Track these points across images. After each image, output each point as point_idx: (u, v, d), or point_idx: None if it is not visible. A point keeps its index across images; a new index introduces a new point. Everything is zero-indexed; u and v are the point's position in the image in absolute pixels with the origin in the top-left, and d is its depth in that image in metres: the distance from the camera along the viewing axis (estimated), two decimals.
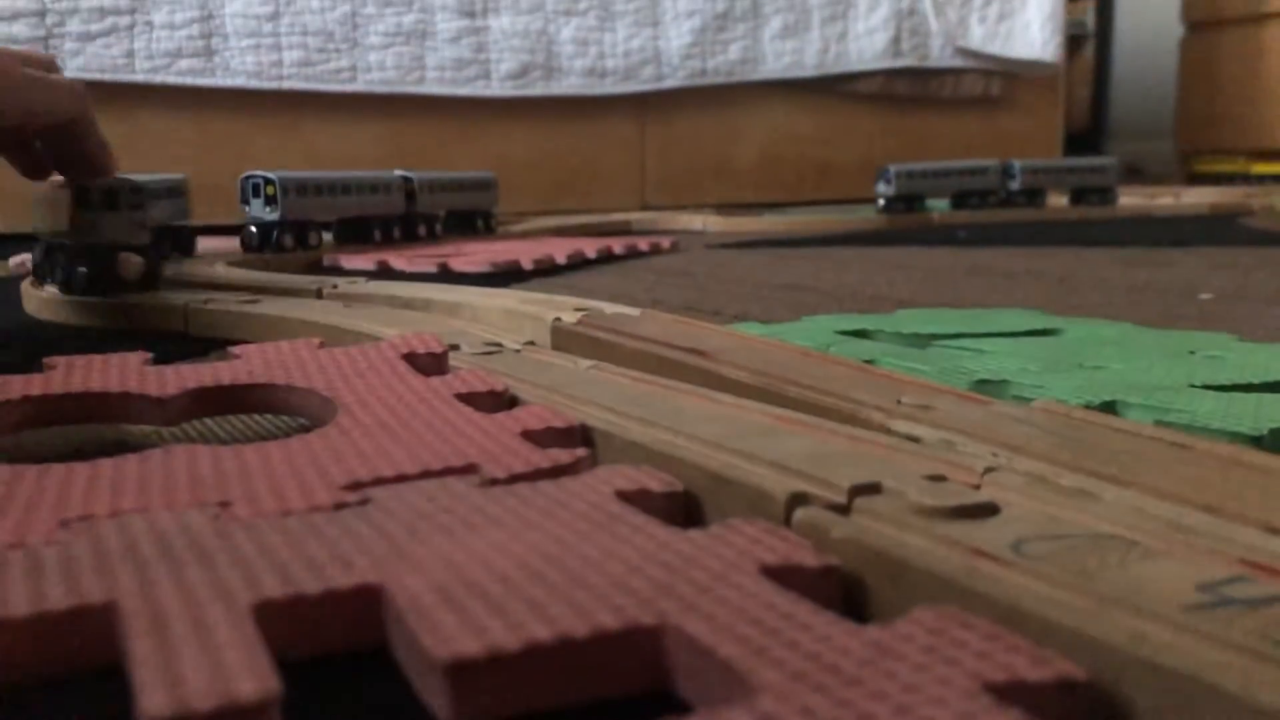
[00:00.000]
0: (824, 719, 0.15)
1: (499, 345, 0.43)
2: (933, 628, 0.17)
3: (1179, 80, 2.46)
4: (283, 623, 0.19)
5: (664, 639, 0.18)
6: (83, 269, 0.62)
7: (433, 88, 1.54)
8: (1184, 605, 0.18)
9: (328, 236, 1.04)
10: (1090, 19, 2.83)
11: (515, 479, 0.27)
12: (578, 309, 0.50)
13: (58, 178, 0.63)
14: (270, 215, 0.95)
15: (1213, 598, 0.18)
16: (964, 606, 0.19)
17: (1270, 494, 0.23)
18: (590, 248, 1.03)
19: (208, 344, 0.55)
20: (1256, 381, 0.37)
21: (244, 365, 0.39)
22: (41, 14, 1.33)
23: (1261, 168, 2.25)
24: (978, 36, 1.92)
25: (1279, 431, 0.30)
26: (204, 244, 1.08)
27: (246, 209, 0.96)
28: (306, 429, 0.36)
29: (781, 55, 1.78)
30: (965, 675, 0.16)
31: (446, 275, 0.87)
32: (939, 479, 0.24)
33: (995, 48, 1.93)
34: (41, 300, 0.67)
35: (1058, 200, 1.59)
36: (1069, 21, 2.20)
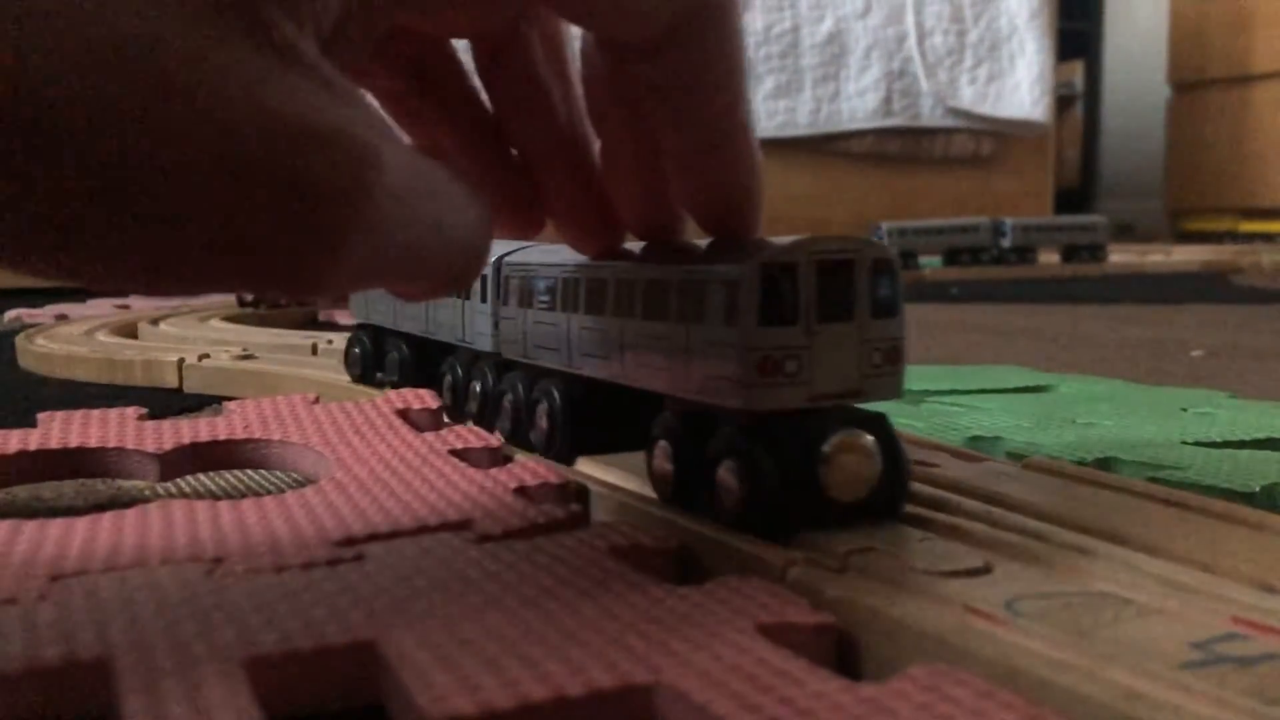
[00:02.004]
0: None
1: None
2: (927, 685, 0.17)
3: (1167, 140, 2.50)
4: (276, 678, 0.19)
5: (658, 696, 0.18)
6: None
7: None
8: (1178, 663, 0.18)
9: None
10: (1079, 79, 2.88)
11: (509, 535, 0.27)
12: None
13: None
14: None
15: (1206, 655, 0.18)
16: (958, 665, 0.19)
17: (1263, 550, 0.23)
18: None
19: (201, 399, 0.55)
20: (1248, 438, 0.37)
21: (238, 420, 0.40)
22: None
23: (1249, 226, 2.27)
24: (968, 97, 1.95)
25: (1271, 488, 0.30)
26: (199, 299, 1.08)
27: None
28: (301, 484, 0.36)
29: (775, 114, 1.80)
30: None
31: None
32: (930, 539, 0.25)
33: (986, 108, 1.96)
34: None
35: (1049, 258, 1.60)
36: (1058, 82, 2.24)
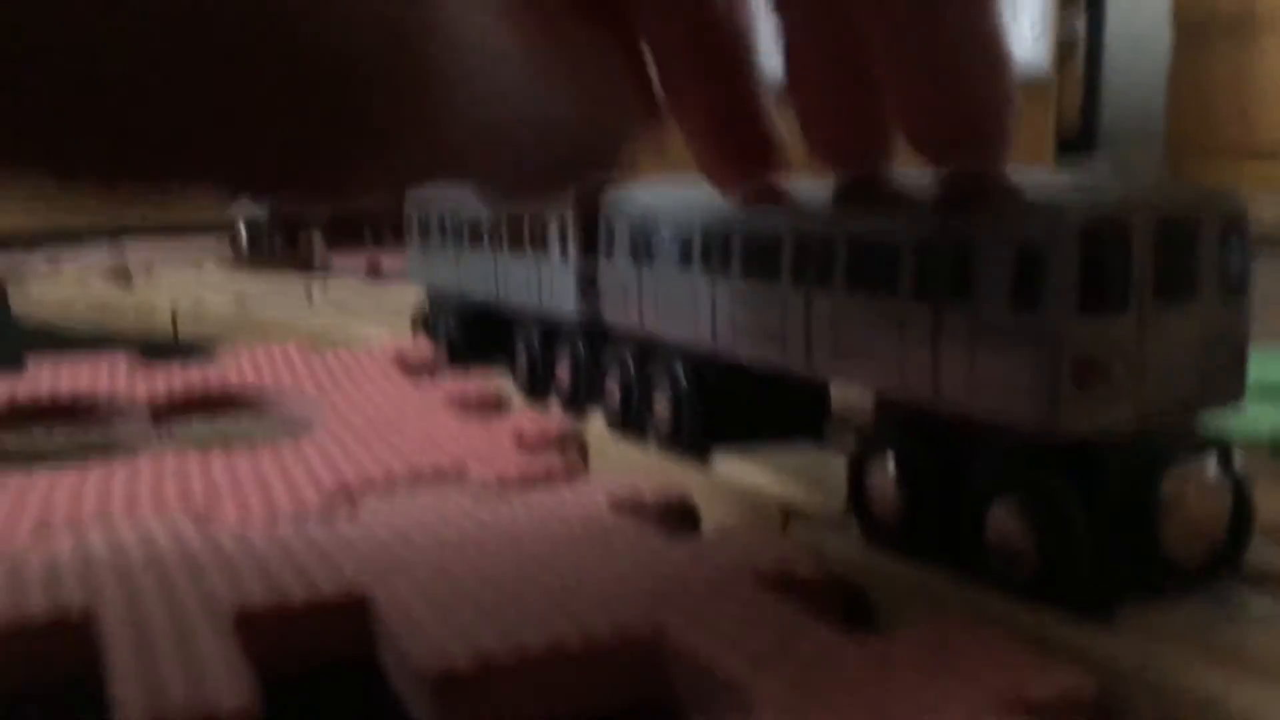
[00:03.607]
0: None
1: None
2: (937, 639, 0.17)
3: (1170, 85, 2.47)
4: (268, 632, 0.19)
5: (660, 650, 0.18)
6: None
7: None
8: (1195, 623, 0.17)
9: (317, 235, 1.04)
10: (1081, 23, 2.83)
11: (507, 485, 0.26)
12: None
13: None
14: (260, 214, 0.94)
15: None
16: (968, 620, 0.18)
17: None
18: None
19: (195, 346, 0.55)
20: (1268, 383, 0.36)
21: (232, 368, 0.39)
22: None
23: (1253, 172, 2.25)
24: None
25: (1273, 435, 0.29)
26: (193, 243, 1.07)
27: (234, 207, 0.95)
28: (294, 433, 0.35)
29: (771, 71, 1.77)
30: (970, 687, 0.15)
31: None
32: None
33: None
34: None
35: None
36: (1059, 27, 2.21)
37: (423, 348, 0.41)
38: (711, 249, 0.25)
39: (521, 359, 0.35)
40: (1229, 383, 0.19)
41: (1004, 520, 0.18)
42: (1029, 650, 0.17)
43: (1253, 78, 2.30)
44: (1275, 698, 0.15)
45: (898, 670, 0.16)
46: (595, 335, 0.31)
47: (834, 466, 0.25)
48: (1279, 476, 0.25)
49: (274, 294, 0.66)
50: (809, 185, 0.23)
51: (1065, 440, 0.18)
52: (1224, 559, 0.19)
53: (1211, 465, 0.18)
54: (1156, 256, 0.17)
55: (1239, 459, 0.19)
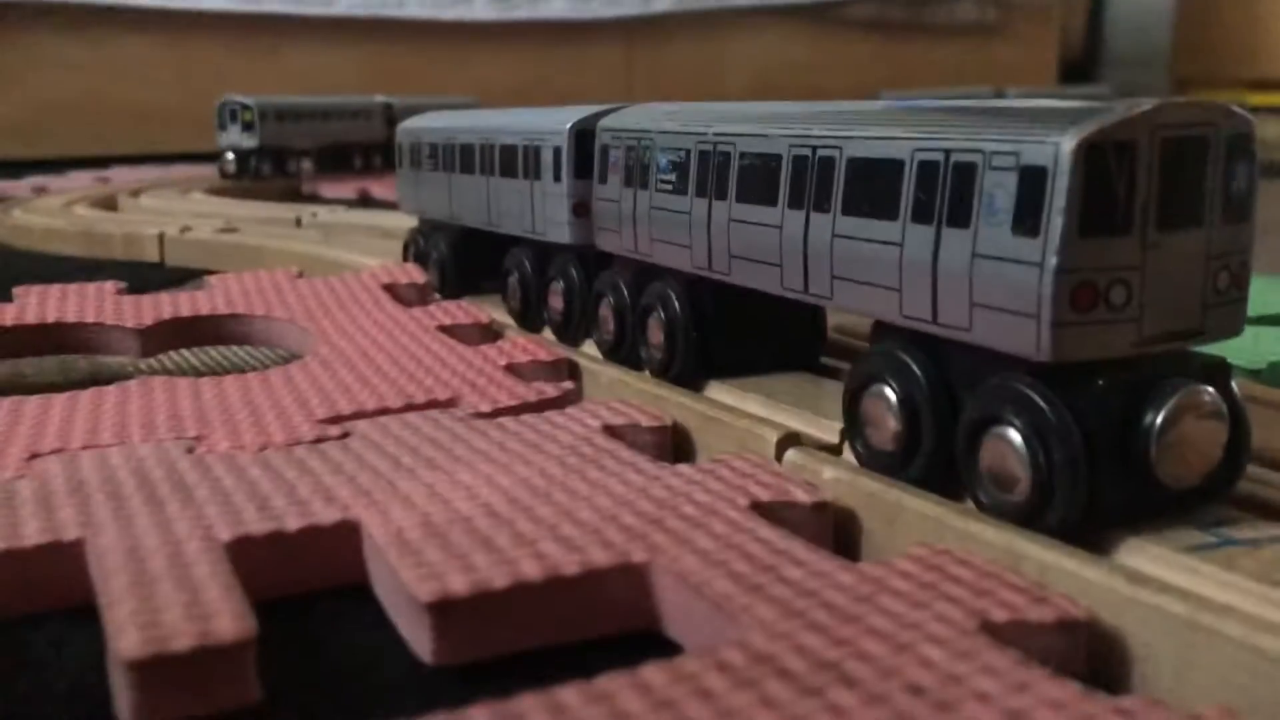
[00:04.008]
0: (819, 658, 0.14)
1: None
2: (930, 565, 0.17)
3: (1175, 8, 2.42)
4: (261, 558, 0.19)
5: (655, 575, 0.18)
6: None
7: (414, 11, 1.50)
8: (1186, 547, 0.17)
9: (307, 164, 1.02)
10: None
11: (500, 412, 0.26)
12: None
13: None
14: (248, 142, 0.93)
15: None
16: (961, 547, 0.18)
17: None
18: None
19: (183, 274, 0.54)
20: (1253, 315, 0.36)
21: (220, 295, 0.39)
22: None
23: (1257, 99, 2.23)
24: None
25: (1278, 365, 0.29)
26: (181, 171, 1.06)
27: (224, 135, 0.94)
28: (285, 361, 0.35)
29: None
30: (964, 613, 0.15)
31: None
32: None
33: None
34: None
35: None
36: None
37: (414, 274, 0.40)
38: (707, 172, 0.24)
39: (514, 286, 0.35)
40: (1230, 311, 0.18)
41: (1000, 448, 0.18)
42: (1022, 576, 0.17)
43: (1258, 2, 2.26)
44: (1265, 618, 0.15)
45: (889, 596, 0.16)
46: (588, 261, 0.31)
47: (829, 394, 0.25)
48: (1274, 403, 0.25)
49: (263, 221, 0.65)
50: (807, 107, 0.22)
51: (1063, 367, 0.17)
52: (1219, 484, 0.19)
53: (1209, 392, 0.18)
54: (1161, 178, 0.17)
55: (1237, 386, 0.19)
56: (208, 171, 1.00)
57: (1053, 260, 0.17)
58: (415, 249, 0.43)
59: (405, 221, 0.59)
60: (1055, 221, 0.17)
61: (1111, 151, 0.16)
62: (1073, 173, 0.16)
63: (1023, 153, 0.17)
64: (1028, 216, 0.17)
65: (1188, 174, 0.17)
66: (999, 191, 0.17)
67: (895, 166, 0.19)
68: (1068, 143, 0.16)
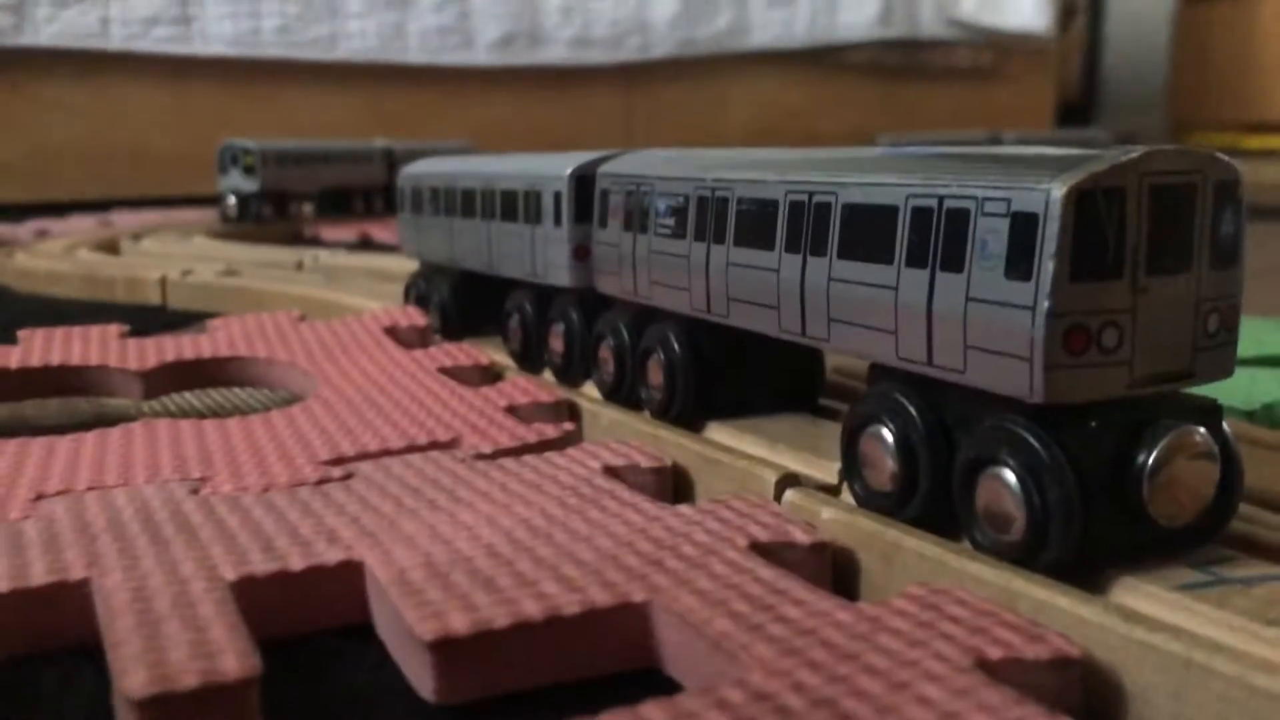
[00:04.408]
0: (817, 696, 0.15)
1: None
2: (927, 604, 0.17)
3: (1171, 53, 2.46)
4: (265, 598, 0.19)
5: (655, 615, 0.18)
6: None
7: (414, 56, 1.52)
8: (1179, 585, 0.18)
9: (308, 207, 1.03)
10: None
11: (501, 453, 0.26)
12: None
13: None
14: (249, 186, 0.94)
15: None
16: (957, 586, 0.18)
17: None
18: None
19: (185, 316, 0.55)
20: (1248, 356, 0.36)
21: (223, 338, 0.39)
22: None
23: (1253, 142, 2.25)
24: (969, 7, 1.91)
25: (1271, 406, 0.29)
26: (182, 215, 1.07)
27: (225, 179, 0.95)
28: (287, 403, 0.36)
29: (770, 25, 1.76)
30: (960, 651, 0.16)
31: None
32: None
33: (987, 19, 1.92)
34: None
35: None
36: None
37: (415, 317, 0.41)
38: (706, 217, 0.25)
39: (515, 328, 0.35)
40: (1220, 354, 0.19)
41: (995, 488, 0.19)
42: (1018, 615, 0.17)
43: (1253, 45, 2.29)
44: (1257, 658, 0.15)
45: (887, 634, 0.16)
46: (588, 304, 0.31)
47: (828, 435, 0.25)
48: (1267, 444, 0.25)
49: (264, 264, 0.66)
50: (803, 154, 0.23)
51: (1057, 407, 0.18)
52: (1212, 523, 0.19)
53: (1201, 433, 0.18)
54: (1151, 223, 0.17)
55: (1228, 427, 0.19)
56: (209, 215, 1.01)
57: (1045, 304, 0.17)
58: (416, 292, 0.43)
59: (406, 265, 0.60)
60: (1047, 266, 0.17)
61: (1101, 198, 0.17)
62: (1063, 219, 0.17)
63: (1014, 199, 0.18)
64: (1020, 261, 0.17)
65: (1176, 220, 0.18)
66: (991, 237, 0.18)
67: (890, 212, 0.20)
68: (1058, 189, 0.17)
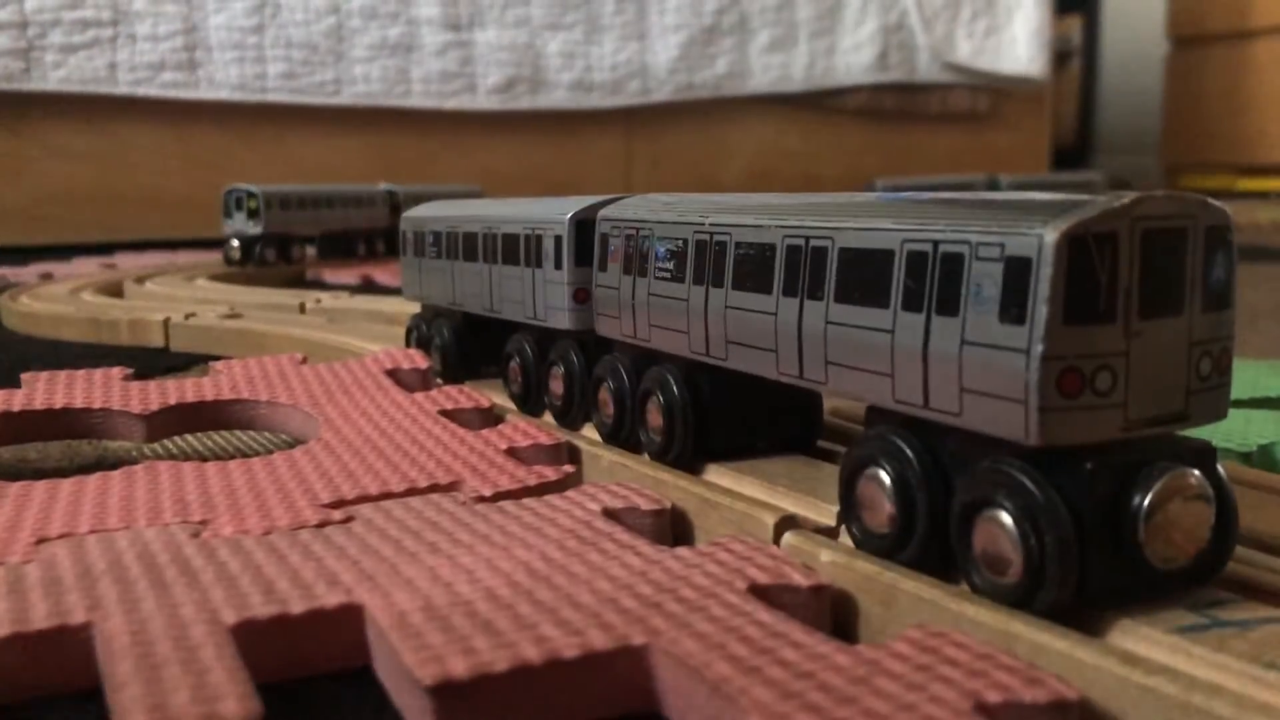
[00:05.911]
0: None
1: None
2: (925, 647, 0.17)
3: (1165, 95, 2.48)
4: (266, 642, 0.19)
5: (654, 658, 0.18)
6: None
7: (418, 101, 1.54)
8: (1176, 628, 0.18)
9: (311, 250, 1.04)
10: (1076, 34, 2.85)
11: (501, 496, 0.26)
12: None
13: None
14: (253, 229, 0.94)
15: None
16: (956, 628, 0.18)
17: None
18: None
19: (188, 359, 0.55)
20: (1244, 398, 0.37)
21: (225, 380, 0.39)
22: (23, 26, 1.33)
23: (1247, 184, 2.26)
24: (965, 52, 1.93)
25: (1268, 448, 0.30)
26: (186, 258, 1.07)
27: (229, 222, 0.96)
28: (289, 445, 0.36)
29: (769, 69, 1.78)
30: (959, 694, 0.16)
31: None
32: None
33: (983, 63, 1.94)
34: None
35: None
36: (1055, 37, 2.22)
37: (416, 360, 0.41)
38: (704, 260, 0.25)
39: (515, 370, 0.36)
40: (1213, 397, 0.19)
41: (991, 530, 0.19)
42: (1015, 658, 0.17)
43: (1246, 89, 2.31)
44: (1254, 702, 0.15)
45: (885, 677, 0.16)
46: (588, 346, 0.32)
47: (826, 477, 0.26)
48: (1264, 486, 0.25)
49: (267, 307, 0.66)
50: (800, 198, 0.23)
51: (1052, 450, 0.18)
52: (1208, 565, 0.19)
53: (1195, 475, 0.18)
54: (1143, 268, 0.18)
55: (1223, 469, 0.19)
56: (212, 258, 1.02)
57: (1039, 347, 0.17)
58: (418, 335, 0.44)
59: (408, 307, 0.60)
60: (1040, 310, 0.17)
61: (1093, 243, 0.17)
62: (1056, 263, 0.17)
63: (1008, 244, 0.18)
64: (1014, 305, 0.18)
65: (1168, 264, 0.18)
66: (986, 281, 0.18)
67: (886, 256, 0.20)
68: (1050, 235, 0.17)
